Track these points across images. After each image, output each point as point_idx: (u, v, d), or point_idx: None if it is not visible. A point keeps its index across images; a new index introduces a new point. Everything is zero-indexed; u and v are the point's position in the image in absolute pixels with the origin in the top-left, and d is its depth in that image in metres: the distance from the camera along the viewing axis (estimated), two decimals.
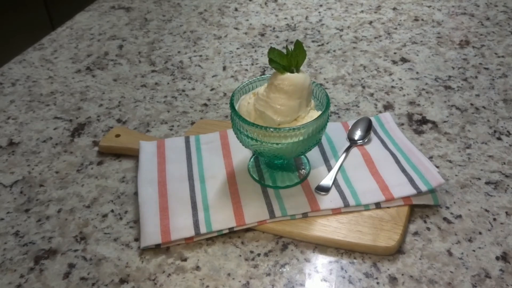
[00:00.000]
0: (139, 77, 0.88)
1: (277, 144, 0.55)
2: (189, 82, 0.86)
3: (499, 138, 0.71)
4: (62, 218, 0.61)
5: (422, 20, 1.02)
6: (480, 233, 0.57)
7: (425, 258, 0.54)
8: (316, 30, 1.00)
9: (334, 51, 0.93)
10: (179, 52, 0.95)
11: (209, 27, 1.03)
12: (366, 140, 0.68)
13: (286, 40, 0.97)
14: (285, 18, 1.05)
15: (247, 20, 1.04)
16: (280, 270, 0.54)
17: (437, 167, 0.66)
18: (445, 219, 0.59)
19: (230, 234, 0.57)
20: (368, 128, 0.69)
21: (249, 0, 1.12)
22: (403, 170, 0.62)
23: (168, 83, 0.86)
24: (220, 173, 0.64)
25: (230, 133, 0.70)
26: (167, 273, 0.54)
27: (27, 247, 0.57)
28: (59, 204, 0.63)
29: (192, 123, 0.76)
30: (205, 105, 0.80)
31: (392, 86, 0.83)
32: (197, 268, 0.54)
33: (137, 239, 0.57)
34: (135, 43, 0.98)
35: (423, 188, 0.59)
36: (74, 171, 0.68)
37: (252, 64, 0.90)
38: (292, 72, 0.55)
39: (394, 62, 0.89)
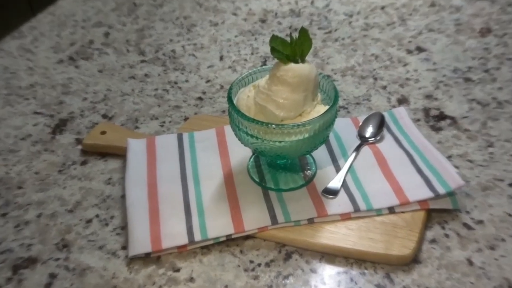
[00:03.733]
0: (127, 68, 0.87)
1: (279, 142, 0.55)
2: (182, 74, 0.86)
3: None
4: (43, 223, 0.61)
5: (440, 5, 1.02)
6: (503, 240, 0.57)
7: (443, 268, 0.54)
8: (323, 16, 1.00)
9: (343, 39, 0.93)
10: (171, 40, 0.94)
11: (204, 13, 1.02)
12: (378, 138, 0.68)
13: (290, 27, 0.97)
14: (289, 3, 1.04)
15: (247, 4, 1.04)
16: (283, 282, 0.53)
17: (457, 167, 0.66)
18: (465, 224, 0.59)
19: (227, 242, 0.57)
20: (381, 124, 0.69)
21: None
22: (419, 171, 0.62)
23: (159, 75, 0.86)
24: (217, 174, 0.64)
25: (228, 130, 0.69)
26: (158, 285, 0.53)
27: (4, 255, 0.57)
28: (39, 208, 0.62)
29: (186, 118, 0.76)
30: (200, 98, 0.80)
31: (407, 78, 0.82)
32: (191, 279, 0.54)
33: (124, 247, 0.57)
34: (123, 30, 0.98)
35: (441, 190, 0.59)
36: (56, 171, 0.68)
37: (252, 54, 0.90)
38: (296, 62, 0.55)
39: (409, 52, 0.89)
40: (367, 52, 0.89)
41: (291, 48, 0.55)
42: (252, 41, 0.93)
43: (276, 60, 0.56)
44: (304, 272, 0.54)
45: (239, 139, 0.59)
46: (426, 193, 0.59)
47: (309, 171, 0.64)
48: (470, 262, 0.55)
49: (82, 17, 1.02)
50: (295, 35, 0.55)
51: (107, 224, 0.60)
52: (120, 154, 0.69)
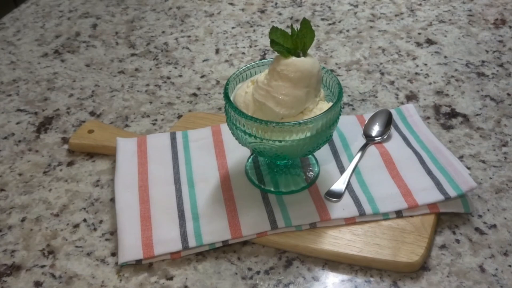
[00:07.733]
0: (116, 62, 0.88)
1: (279, 141, 0.55)
2: (176, 68, 0.86)
3: None
4: (27, 228, 0.61)
5: None
6: None
7: (453, 275, 0.54)
8: (326, 6, 1.00)
9: (348, 31, 0.93)
10: (163, 32, 0.95)
11: (199, 3, 1.02)
12: (385, 137, 0.68)
13: (291, 18, 0.97)
14: None
15: None
16: None
17: (469, 168, 0.66)
18: (477, 229, 0.59)
19: (224, 248, 0.58)
20: (388, 122, 0.69)
21: None
22: (429, 172, 0.62)
23: (150, 69, 0.86)
24: (212, 176, 0.64)
25: (224, 129, 0.69)
26: None
27: None
28: (23, 212, 0.63)
29: (179, 116, 0.76)
30: (195, 95, 0.80)
31: (416, 73, 0.83)
32: None
33: (114, 254, 0.58)
34: (112, 21, 0.98)
35: (452, 193, 0.59)
36: (40, 173, 0.68)
37: (250, 47, 0.90)
38: (298, 56, 0.55)
39: (419, 45, 0.89)
40: (374, 44, 0.90)
41: (292, 40, 0.55)
42: (250, 33, 0.93)
43: (276, 54, 0.56)
44: (306, 280, 0.55)
45: (236, 139, 0.59)
46: (436, 196, 0.59)
47: (311, 173, 0.64)
48: (482, 269, 0.55)
49: (68, 8, 1.02)
50: (297, 26, 0.55)
51: (95, 229, 0.60)
52: (109, 154, 0.69)
